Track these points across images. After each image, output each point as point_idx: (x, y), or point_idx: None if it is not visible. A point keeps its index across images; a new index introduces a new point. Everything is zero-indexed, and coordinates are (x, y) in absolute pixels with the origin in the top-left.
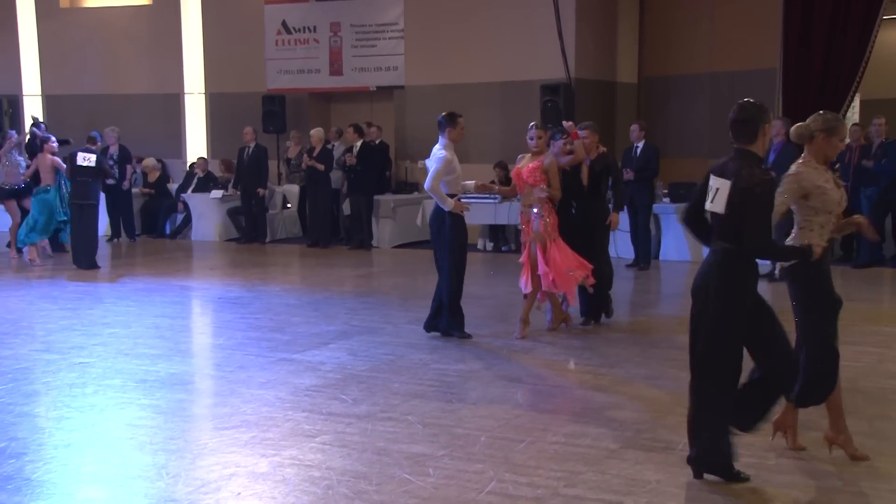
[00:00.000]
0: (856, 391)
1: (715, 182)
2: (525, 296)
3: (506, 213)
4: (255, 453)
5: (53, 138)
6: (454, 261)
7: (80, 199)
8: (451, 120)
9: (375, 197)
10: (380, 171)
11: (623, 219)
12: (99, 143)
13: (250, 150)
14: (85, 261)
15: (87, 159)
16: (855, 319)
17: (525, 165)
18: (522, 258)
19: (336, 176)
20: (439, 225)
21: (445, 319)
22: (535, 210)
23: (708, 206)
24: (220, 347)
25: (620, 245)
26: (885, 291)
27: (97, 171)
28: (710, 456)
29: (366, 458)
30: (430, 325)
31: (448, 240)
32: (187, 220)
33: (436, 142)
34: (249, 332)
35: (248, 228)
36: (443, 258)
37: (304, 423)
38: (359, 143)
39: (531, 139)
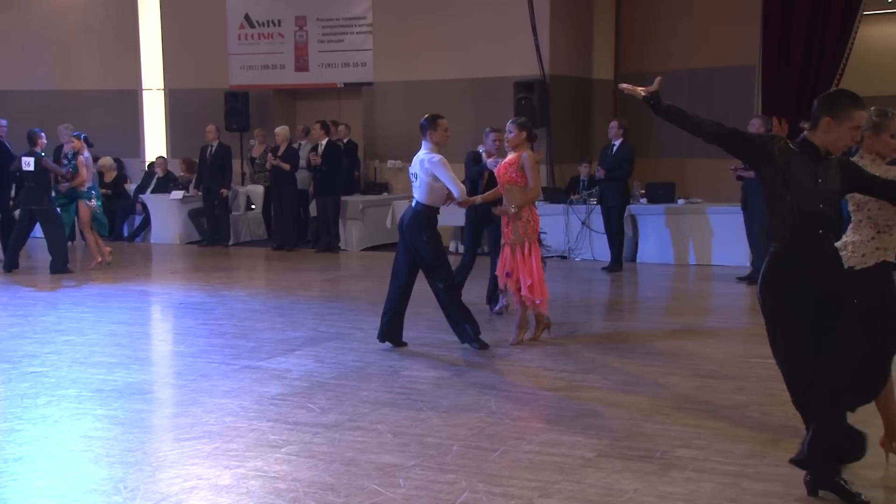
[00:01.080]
0: None
1: None
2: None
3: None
4: (217, 465)
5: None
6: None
7: (31, 205)
8: (432, 122)
9: (343, 198)
10: (348, 171)
11: (598, 220)
12: (43, 142)
13: (213, 148)
14: (54, 266)
15: (27, 164)
16: None
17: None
18: (501, 265)
19: (302, 176)
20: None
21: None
22: (514, 210)
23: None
24: (181, 355)
25: (597, 247)
26: None
27: (39, 174)
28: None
29: (334, 469)
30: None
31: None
32: (146, 223)
33: (406, 140)
34: (212, 338)
35: (211, 231)
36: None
37: (269, 434)
38: (324, 142)
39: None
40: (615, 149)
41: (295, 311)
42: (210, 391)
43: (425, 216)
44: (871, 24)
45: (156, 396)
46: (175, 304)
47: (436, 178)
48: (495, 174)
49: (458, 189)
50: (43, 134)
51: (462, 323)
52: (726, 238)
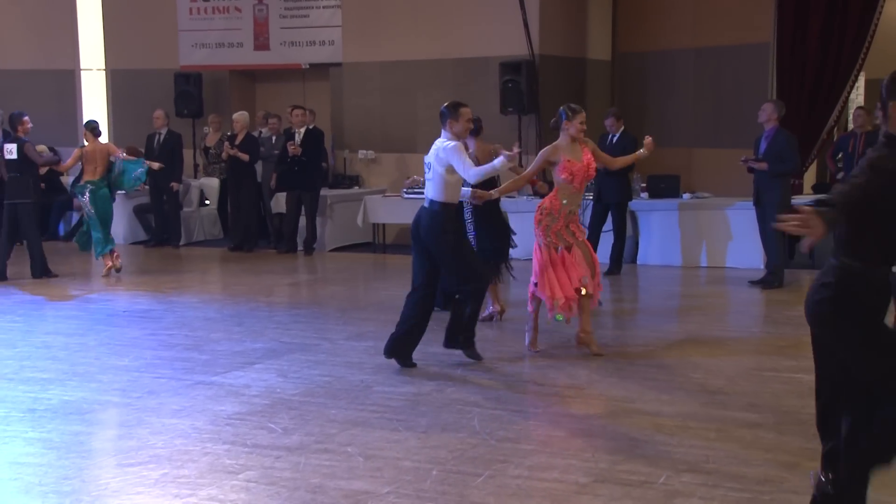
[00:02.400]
0: None
1: None
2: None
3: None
4: (166, 493)
5: None
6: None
7: (16, 199)
8: (453, 111)
9: (308, 193)
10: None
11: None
12: (28, 126)
13: (161, 137)
14: (36, 269)
15: (10, 151)
16: None
17: (574, 157)
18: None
19: (262, 168)
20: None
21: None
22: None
23: None
24: (126, 369)
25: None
26: None
27: (23, 163)
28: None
29: (298, 498)
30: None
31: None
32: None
33: (379, 128)
34: (160, 350)
35: (159, 229)
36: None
37: (225, 458)
38: (302, 130)
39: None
40: (615, 140)
41: (254, 320)
42: (158, 410)
43: (444, 216)
44: None
45: (96, 417)
46: (118, 312)
47: (452, 171)
48: (573, 170)
49: (474, 173)
50: (27, 117)
51: (471, 335)
52: (737, 237)
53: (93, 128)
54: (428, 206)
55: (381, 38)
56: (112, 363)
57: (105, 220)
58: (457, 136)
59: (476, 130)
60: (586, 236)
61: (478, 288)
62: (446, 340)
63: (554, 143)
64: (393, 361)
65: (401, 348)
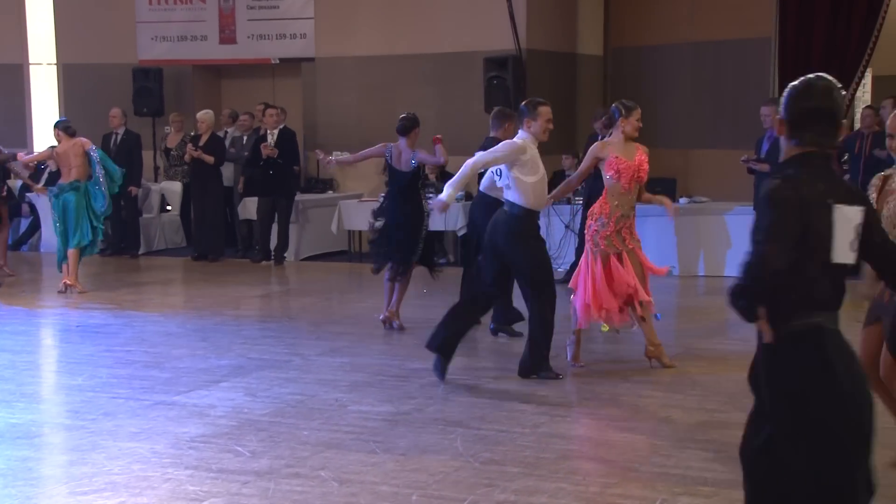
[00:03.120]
0: None
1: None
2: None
3: (441, 218)
4: None
5: None
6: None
7: None
8: (531, 109)
9: (278, 198)
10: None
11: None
12: None
13: (118, 137)
14: None
15: None
16: None
17: (626, 155)
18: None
19: (229, 172)
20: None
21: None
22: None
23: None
24: (79, 389)
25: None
26: None
27: None
28: None
29: None
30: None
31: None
32: (35, 227)
33: (355, 128)
34: (117, 368)
35: (116, 237)
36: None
37: (187, 484)
38: (276, 131)
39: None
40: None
41: (220, 335)
42: (114, 433)
43: (524, 222)
44: None
45: (46, 441)
46: (71, 328)
47: (524, 171)
48: (619, 169)
49: (479, 159)
50: None
51: (541, 346)
52: (737, 244)
53: (66, 126)
54: (507, 209)
55: (357, 31)
56: (64, 382)
57: (65, 225)
58: (535, 136)
59: (402, 128)
60: (640, 245)
61: (549, 298)
62: (527, 369)
63: (606, 139)
64: (366, 377)
65: (450, 347)
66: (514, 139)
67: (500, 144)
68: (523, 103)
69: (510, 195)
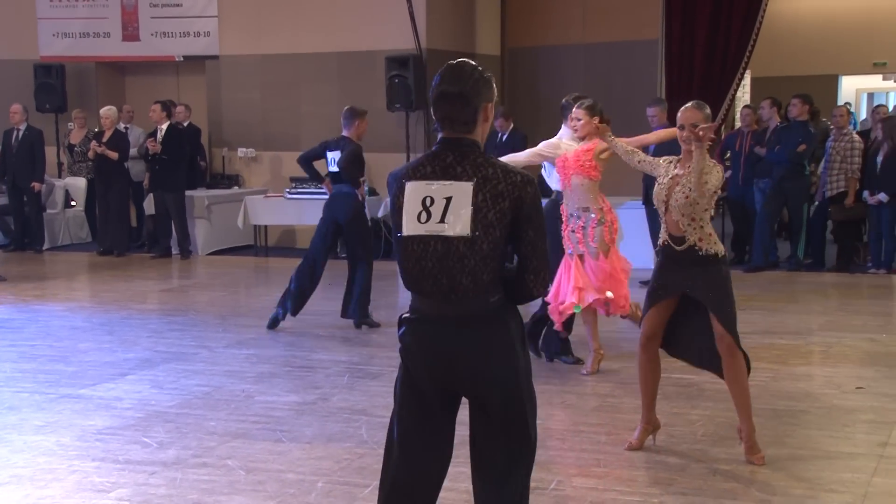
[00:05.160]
0: None
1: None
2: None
3: None
4: None
5: None
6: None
7: None
8: (574, 107)
9: (186, 193)
10: (190, 160)
11: None
12: None
13: (19, 133)
14: None
15: None
16: (747, 331)
17: (572, 150)
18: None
19: (138, 168)
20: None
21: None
22: (593, 214)
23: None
24: None
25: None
26: (780, 298)
27: None
28: None
29: None
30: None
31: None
32: None
33: (259, 124)
34: (22, 362)
35: (19, 233)
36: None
37: (94, 475)
38: (164, 126)
39: (577, 121)
40: (504, 139)
41: (126, 328)
42: (19, 427)
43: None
44: (781, 1)
45: None
46: None
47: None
48: (556, 166)
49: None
50: None
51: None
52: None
53: None
54: (553, 198)
55: (261, 29)
56: None
57: None
58: (575, 132)
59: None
60: (607, 249)
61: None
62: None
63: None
64: (273, 368)
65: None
66: (555, 139)
67: (541, 146)
68: (566, 99)
69: (553, 183)
